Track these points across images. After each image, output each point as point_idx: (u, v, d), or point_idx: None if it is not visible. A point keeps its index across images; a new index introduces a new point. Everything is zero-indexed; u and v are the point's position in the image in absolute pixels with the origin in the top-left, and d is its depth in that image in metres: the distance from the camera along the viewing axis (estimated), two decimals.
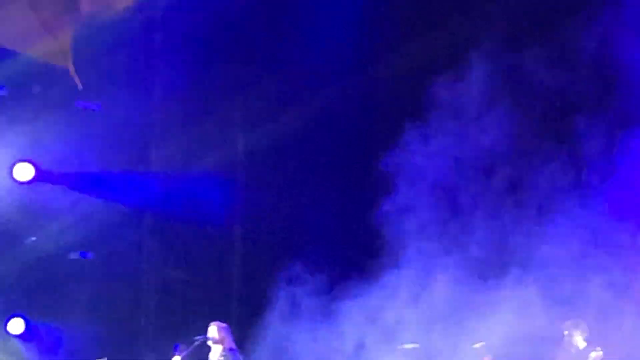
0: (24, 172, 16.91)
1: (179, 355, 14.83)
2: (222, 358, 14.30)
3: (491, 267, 15.04)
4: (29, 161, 16.80)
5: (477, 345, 14.19)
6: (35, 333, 17.69)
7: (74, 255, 17.16)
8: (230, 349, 14.27)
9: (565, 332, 13.60)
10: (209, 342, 14.23)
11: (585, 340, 13.26)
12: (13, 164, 16.86)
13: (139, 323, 17.71)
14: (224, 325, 14.52)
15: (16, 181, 16.71)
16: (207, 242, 18.17)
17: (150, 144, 18.68)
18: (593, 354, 13.30)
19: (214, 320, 14.45)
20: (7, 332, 17.33)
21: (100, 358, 15.44)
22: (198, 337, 14.32)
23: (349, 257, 17.05)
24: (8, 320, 17.00)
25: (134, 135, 18.18)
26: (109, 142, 17.54)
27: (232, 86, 18.58)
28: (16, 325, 17.08)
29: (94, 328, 16.92)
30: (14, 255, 16.81)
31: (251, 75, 18.33)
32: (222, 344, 14.30)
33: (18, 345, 17.20)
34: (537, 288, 14.19)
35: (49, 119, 16.98)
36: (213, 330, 14.45)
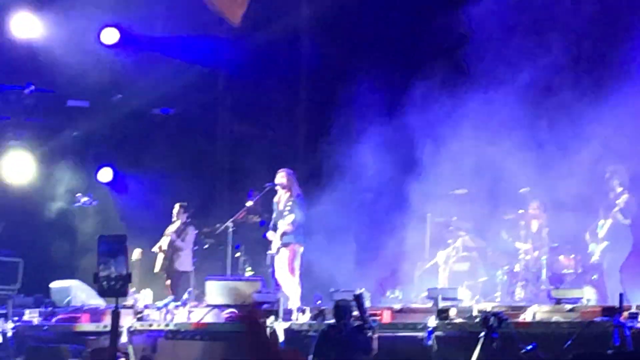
0: (111, 36, 17.71)
1: (251, 200, 15.53)
2: (290, 202, 14.75)
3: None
4: (115, 26, 17.60)
5: (523, 190, 14.57)
6: (121, 181, 18.99)
7: (156, 111, 18.98)
8: (297, 195, 14.70)
9: (607, 175, 13.58)
10: (277, 188, 14.59)
11: (622, 185, 13.30)
12: (101, 29, 17.61)
13: (214, 171, 19.29)
14: (291, 171, 14.88)
15: (104, 45, 17.59)
16: (275, 99, 18.93)
17: None
18: (624, 197, 13.71)
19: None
20: (97, 180, 18.57)
21: (179, 202, 16.43)
22: (268, 184, 14.72)
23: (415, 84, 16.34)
24: (98, 169, 18.30)
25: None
26: (187, 8, 17.94)
27: None
28: (105, 174, 18.39)
29: (173, 177, 17.51)
30: (103, 112, 18.35)
31: None
32: (290, 190, 14.63)
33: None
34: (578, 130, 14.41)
35: None
36: (281, 176, 14.71)
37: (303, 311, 13.11)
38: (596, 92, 14.78)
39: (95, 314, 13.85)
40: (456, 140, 15.53)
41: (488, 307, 11.78)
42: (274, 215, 14.85)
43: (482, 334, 9.50)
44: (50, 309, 15.00)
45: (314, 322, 12.24)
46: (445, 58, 16.81)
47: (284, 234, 14.46)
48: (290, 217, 14.58)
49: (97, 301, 14.24)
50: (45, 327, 14.03)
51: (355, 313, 10.53)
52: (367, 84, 16.68)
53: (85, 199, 17.99)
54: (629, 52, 15.16)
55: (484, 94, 15.33)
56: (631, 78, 14.81)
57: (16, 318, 14.50)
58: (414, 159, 15.96)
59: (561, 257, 14.52)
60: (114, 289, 8.12)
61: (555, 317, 11.32)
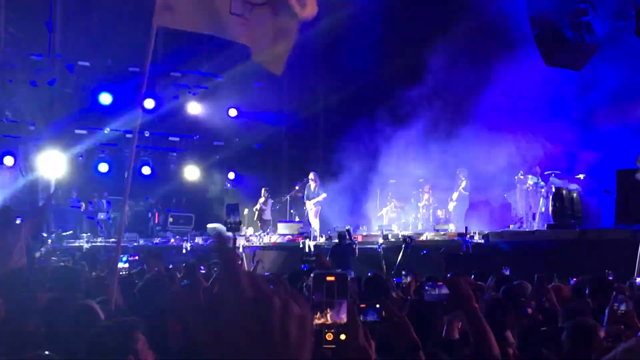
0: (233, 112, 23.84)
1: (297, 186, 21.03)
2: (318, 188, 19.84)
3: None
4: (235, 107, 23.78)
5: (421, 180, 20.27)
6: (239, 178, 24.57)
7: (253, 145, 24.45)
8: (320, 185, 19.68)
9: (457, 172, 19.65)
10: (310, 181, 19.87)
11: (464, 176, 19.35)
12: (228, 108, 24.13)
13: (281, 171, 24.68)
14: (316, 173, 19.99)
15: (229, 116, 23.89)
16: (302, 134, 23.94)
17: None
18: (463, 183, 19.37)
19: None
20: (228, 178, 24.56)
21: (264, 187, 21.57)
22: (305, 179, 20.13)
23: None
24: (228, 173, 24.43)
25: None
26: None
27: None
28: (231, 176, 24.45)
29: (262, 174, 23.65)
30: (229, 147, 24.77)
31: None
32: (316, 182, 20.01)
33: None
34: None
35: None
36: (312, 176, 19.98)
37: (322, 237, 19.02)
38: (455, 128, 19.56)
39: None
40: (394, 153, 20.50)
41: (406, 233, 17.09)
42: (306, 193, 20.05)
43: (403, 246, 15.18)
44: (207, 237, 20.34)
45: (327, 242, 17.82)
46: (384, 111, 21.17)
47: (317, 202, 19.80)
48: (322, 195, 19.73)
49: (227, 234, 15.77)
50: (205, 245, 19.36)
51: (347, 237, 15.18)
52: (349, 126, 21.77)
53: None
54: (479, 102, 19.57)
55: (407, 131, 20.07)
56: (473, 118, 19.59)
57: (190, 242, 19.70)
58: (376, 163, 21.04)
59: (438, 211, 19.72)
60: (234, 227, 12.73)
61: (437, 237, 17.26)
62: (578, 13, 17.30)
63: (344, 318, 2.36)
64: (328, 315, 2.38)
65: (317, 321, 2.38)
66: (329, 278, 2.42)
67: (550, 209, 16.56)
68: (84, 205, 20.41)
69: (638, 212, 13.98)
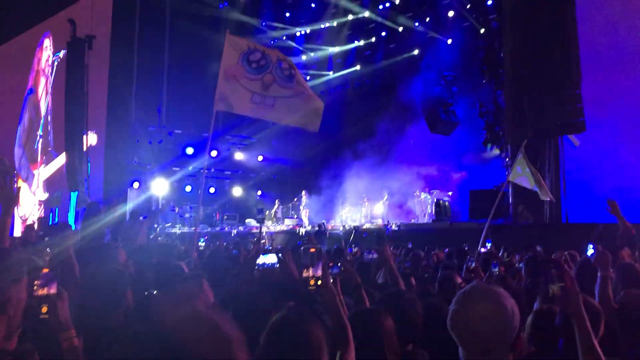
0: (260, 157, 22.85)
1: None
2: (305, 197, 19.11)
3: None
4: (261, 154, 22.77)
5: (363, 195, 18.87)
6: None
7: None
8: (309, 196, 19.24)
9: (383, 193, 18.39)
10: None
11: (385, 191, 18.48)
12: (257, 155, 23.22)
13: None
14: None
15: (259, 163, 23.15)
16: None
17: None
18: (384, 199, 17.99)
19: None
20: None
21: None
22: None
23: None
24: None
25: None
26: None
27: None
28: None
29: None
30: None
31: None
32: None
33: None
34: None
35: None
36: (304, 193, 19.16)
37: (309, 227, 17.69)
38: (386, 163, 18.86)
39: (257, 228, 16.68)
40: (351, 179, 19.74)
41: (354, 224, 16.43)
42: (302, 202, 19.20)
43: (353, 231, 14.71)
44: (245, 227, 19.29)
45: (312, 229, 16.53)
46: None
47: (305, 206, 19.18)
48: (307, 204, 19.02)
49: (256, 224, 17.88)
50: (244, 231, 18.47)
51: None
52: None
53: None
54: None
55: (359, 165, 19.50)
56: (396, 157, 18.86)
57: (236, 229, 18.88)
58: (342, 184, 20.13)
59: (373, 211, 18.21)
60: (261, 220, 10.50)
61: (372, 226, 16.27)
62: (448, 104, 17.81)
63: (319, 272, 2.49)
64: (311, 271, 2.47)
65: (305, 274, 2.47)
66: (312, 250, 2.48)
67: (434, 210, 16.49)
68: (177, 209, 20.29)
69: (480, 213, 13.52)
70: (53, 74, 20.52)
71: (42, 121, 20.40)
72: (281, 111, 6.82)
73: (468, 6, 18.37)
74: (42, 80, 21.00)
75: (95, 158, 17.46)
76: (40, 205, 19.73)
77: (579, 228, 11.29)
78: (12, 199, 3.43)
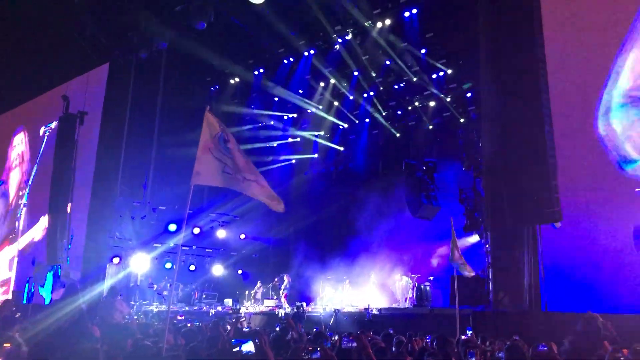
0: None
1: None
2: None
3: None
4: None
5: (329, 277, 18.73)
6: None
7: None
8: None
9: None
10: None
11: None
12: None
13: None
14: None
15: None
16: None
17: None
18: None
19: None
20: None
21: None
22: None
23: None
24: None
25: None
26: None
27: None
28: None
29: None
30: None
31: None
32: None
33: None
34: None
35: None
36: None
37: (288, 308, 16.99)
38: (366, 251, 18.94)
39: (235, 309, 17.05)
40: (331, 262, 19.25)
41: (335, 307, 15.83)
42: (282, 284, 18.65)
43: (334, 314, 14.83)
44: (224, 306, 18.36)
45: (291, 311, 15.97)
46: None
47: (285, 288, 18.58)
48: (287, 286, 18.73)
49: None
50: (222, 312, 17.29)
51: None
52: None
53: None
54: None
55: (337, 253, 19.32)
56: (376, 244, 18.86)
57: (214, 309, 17.67)
58: (324, 266, 19.38)
59: (354, 295, 17.80)
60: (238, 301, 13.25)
61: (352, 310, 15.98)
62: (429, 189, 18.08)
63: None
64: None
65: None
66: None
67: (414, 295, 16.42)
68: (155, 286, 19.86)
69: (460, 299, 13.21)
70: (43, 145, 20.83)
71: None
72: (250, 188, 7.01)
73: (448, 98, 19.05)
74: (13, 175, 21.55)
75: (77, 232, 17.36)
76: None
77: (558, 317, 11.29)
78: None
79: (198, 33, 18.75)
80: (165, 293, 19.94)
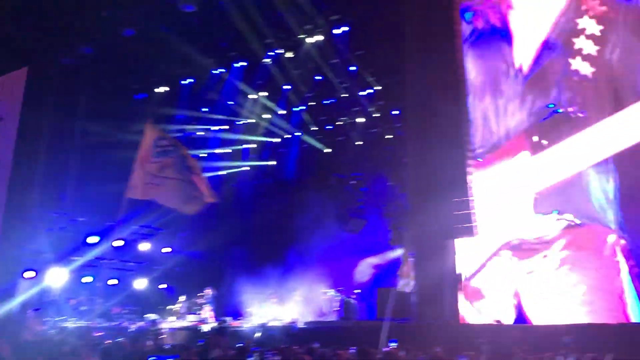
0: None
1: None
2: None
3: None
4: None
5: None
6: None
7: None
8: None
9: None
10: None
11: None
12: None
13: None
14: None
15: None
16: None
17: None
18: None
19: None
20: None
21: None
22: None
23: None
24: None
25: None
26: None
27: None
28: None
29: None
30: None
31: None
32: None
33: None
34: None
35: None
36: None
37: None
38: (297, 268, 18.49)
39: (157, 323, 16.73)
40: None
41: (262, 321, 15.94)
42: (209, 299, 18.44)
43: (260, 330, 14.63)
44: (146, 321, 17.66)
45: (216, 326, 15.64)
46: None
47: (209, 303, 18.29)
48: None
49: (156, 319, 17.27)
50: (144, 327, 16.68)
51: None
52: None
53: None
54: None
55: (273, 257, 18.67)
56: (309, 261, 18.29)
57: (135, 324, 17.09)
58: (253, 281, 18.88)
59: (280, 310, 17.71)
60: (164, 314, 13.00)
61: (279, 324, 15.89)
62: (357, 203, 18.33)
63: None
64: None
65: None
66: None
67: (340, 309, 16.66)
68: (72, 301, 19.20)
69: (385, 312, 13.02)
70: None
71: None
72: (165, 191, 7.11)
73: (377, 115, 19.67)
74: None
75: None
76: None
77: (477, 328, 11.82)
78: None
79: (125, 39, 18.29)
80: (83, 308, 19.15)
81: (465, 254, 12.96)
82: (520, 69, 12.83)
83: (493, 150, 13.05)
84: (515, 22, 13.17)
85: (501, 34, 13.28)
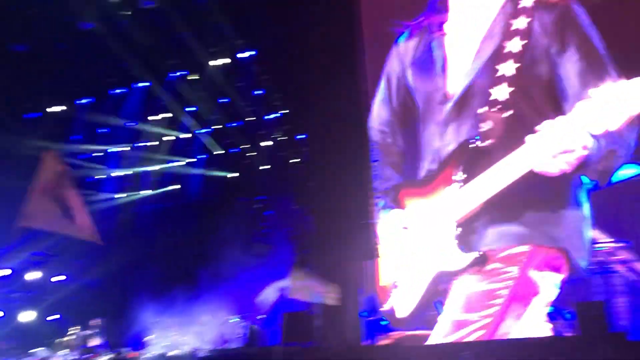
0: None
1: None
2: None
3: None
4: None
5: None
6: None
7: None
8: None
9: None
10: None
11: None
12: None
13: None
14: None
15: None
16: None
17: None
18: None
19: None
20: None
21: None
22: None
23: None
24: None
25: None
26: None
27: None
28: None
29: None
30: None
31: None
32: None
33: None
34: None
35: None
36: None
37: None
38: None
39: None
40: None
41: (161, 351, 14.22)
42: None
43: None
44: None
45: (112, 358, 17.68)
46: None
47: None
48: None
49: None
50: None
51: None
52: None
53: None
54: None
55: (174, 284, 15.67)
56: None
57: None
58: (152, 310, 15.87)
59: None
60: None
61: (179, 353, 13.09)
62: (261, 227, 18.27)
63: None
64: None
65: None
66: None
67: (244, 335, 15.17)
68: None
69: (290, 336, 13.50)
70: None
71: None
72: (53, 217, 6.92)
73: (283, 139, 19.69)
74: None
75: None
76: None
77: (379, 349, 11.92)
78: None
79: (16, 55, 17.42)
80: None
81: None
82: (446, 96, 13.30)
83: (413, 179, 13.54)
84: (449, 46, 13.73)
85: (434, 60, 13.73)
